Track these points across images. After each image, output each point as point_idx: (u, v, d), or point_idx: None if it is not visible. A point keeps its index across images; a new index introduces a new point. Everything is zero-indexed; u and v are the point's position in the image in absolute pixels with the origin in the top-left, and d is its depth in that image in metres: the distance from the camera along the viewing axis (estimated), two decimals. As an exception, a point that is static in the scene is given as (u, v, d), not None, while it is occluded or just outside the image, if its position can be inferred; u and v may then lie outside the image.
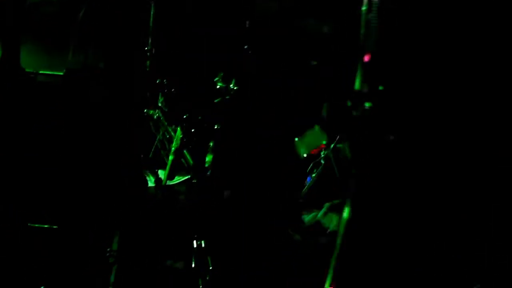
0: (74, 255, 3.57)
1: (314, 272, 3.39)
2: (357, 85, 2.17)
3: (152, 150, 5.25)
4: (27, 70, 3.77)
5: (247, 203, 3.98)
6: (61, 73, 3.76)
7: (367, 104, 2.03)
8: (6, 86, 3.66)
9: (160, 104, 4.73)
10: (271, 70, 4.09)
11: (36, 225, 3.74)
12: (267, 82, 4.09)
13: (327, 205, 4.03)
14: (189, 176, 5.24)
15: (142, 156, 4.77)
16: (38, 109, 3.73)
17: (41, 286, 3.36)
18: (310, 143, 2.33)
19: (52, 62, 3.80)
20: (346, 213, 1.96)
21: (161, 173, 5.09)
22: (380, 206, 2.31)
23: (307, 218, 4.16)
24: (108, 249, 3.64)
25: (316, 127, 2.25)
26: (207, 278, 3.72)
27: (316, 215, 4.10)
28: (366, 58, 2.07)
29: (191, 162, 4.97)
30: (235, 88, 3.89)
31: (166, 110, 4.66)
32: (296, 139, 2.20)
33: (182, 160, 5.03)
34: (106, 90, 3.81)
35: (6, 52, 3.64)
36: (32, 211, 3.70)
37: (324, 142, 2.23)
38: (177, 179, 5.28)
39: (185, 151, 4.92)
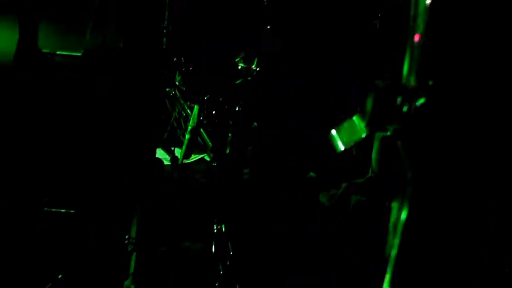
0: (92, 244, 3.52)
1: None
2: (404, 78, 2.06)
3: (168, 128, 5.18)
4: (44, 50, 3.68)
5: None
6: (79, 54, 3.66)
7: (420, 100, 1.93)
8: (23, 67, 3.57)
9: (177, 83, 4.64)
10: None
11: (53, 210, 3.68)
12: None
13: (344, 185, 3.99)
14: (205, 154, 5.19)
15: (157, 136, 4.70)
16: (55, 91, 3.65)
17: (59, 275, 3.33)
18: (347, 137, 2.23)
19: (69, 43, 3.70)
20: (404, 213, 1.88)
21: (177, 152, 5.04)
22: (437, 205, 2.23)
23: (325, 198, 4.12)
24: (127, 236, 3.59)
25: (355, 119, 2.14)
26: (228, 263, 3.69)
27: (334, 195, 4.06)
28: (416, 38, 1.96)
29: (208, 141, 4.90)
30: (257, 69, 3.79)
31: (184, 88, 4.57)
32: (333, 132, 2.10)
33: (199, 139, 4.96)
34: (123, 71, 3.72)
35: (23, 33, 3.55)
36: (46, 196, 3.65)
37: (363, 136, 2.13)
38: (193, 157, 5.23)
39: (201, 129, 4.85)
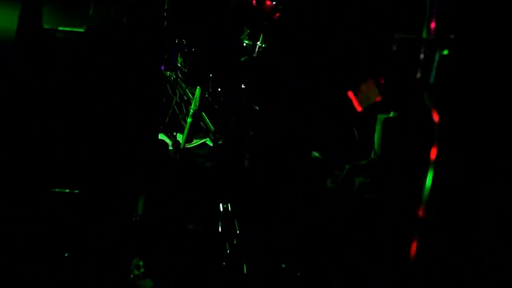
0: (99, 221, 3.48)
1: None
2: (424, 34, 2.02)
3: (169, 112, 5.13)
4: (45, 26, 3.61)
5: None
6: (82, 30, 3.59)
7: (444, 52, 1.89)
8: (26, 45, 3.50)
9: (179, 65, 4.58)
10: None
11: (57, 190, 3.63)
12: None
13: (347, 167, 3.97)
14: (207, 139, 5.14)
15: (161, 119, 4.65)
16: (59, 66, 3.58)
17: (65, 254, 3.29)
18: (365, 97, 2.22)
19: (71, 19, 3.63)
20: (428, 180, 1.84)
21: (179, 137, 4.98)
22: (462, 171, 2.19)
23: (329, 180, 4.10)
24: (134, 214, 3.55)
25: (371, 81, 2.11)
26: (234, 242, 3.67)
27: (338, 177, 4.04)
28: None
29: (210, 125, 4.86)
30: (263, 45, 3.74)
31: (186, 70, 4.51)
32: (350, 94, 2.08)
33: (201, 123, 4.92)
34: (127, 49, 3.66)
35: (26, 8, 3.48)
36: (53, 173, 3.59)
37: (379, 97, 2.10)
38: (195, 142, 5.19)
39: (203, 113, 4.81)
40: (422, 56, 2.03)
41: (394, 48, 2.10)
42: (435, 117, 2.06)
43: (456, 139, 2.29)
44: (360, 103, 2.23)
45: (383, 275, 2.69)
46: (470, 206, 2.32)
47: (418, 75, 2.02)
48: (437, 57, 1.97)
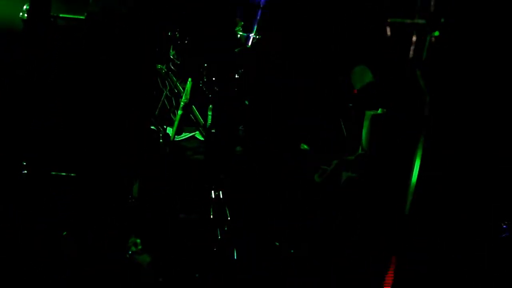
0: (95, 203, 3.54)
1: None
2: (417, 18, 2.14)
3: (159, 106, 5.18)
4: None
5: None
6: (82, 17, 3.67)
7: (435, 33, 2.01)
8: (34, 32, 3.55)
9: (172, 57, 4.65)
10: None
11: (53, 173, 3.68)
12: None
13: (335, 162, 4.04)
14: (196, 132, 5.20)
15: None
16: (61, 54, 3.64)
17: (64, 232, 3.34)
18: (358, 80, 2.32)
19: (72, 6, 3.71)
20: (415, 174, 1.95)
21: (169, 130, 5.04)
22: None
23: (316, 175, 4.17)
24: (130, 196, 3.61)
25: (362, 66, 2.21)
26: (225, 228, 3.72)
27: (326, 172, 4.11)
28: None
29: (199, 117, 4.93)
30: (257, 37, 3.84)
31: (178, 62, 4.58)
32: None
33: (191, 115, 4.98)
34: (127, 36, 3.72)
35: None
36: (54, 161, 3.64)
37: (370, 79, 2.20)
38: (185, 135, 5.24)
39: (193, 106, 4.87)
40: (414, 39, 2.15)
41: (387, 32, 2.21)
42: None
43: (448, 129, 2.36)
44: (355, 85, 2.33)
45: (382, 274, 2.75)
46: (464, 201, 2.38)
47: (411, 54, 2.13)
48: (428, 39, 2.09)
